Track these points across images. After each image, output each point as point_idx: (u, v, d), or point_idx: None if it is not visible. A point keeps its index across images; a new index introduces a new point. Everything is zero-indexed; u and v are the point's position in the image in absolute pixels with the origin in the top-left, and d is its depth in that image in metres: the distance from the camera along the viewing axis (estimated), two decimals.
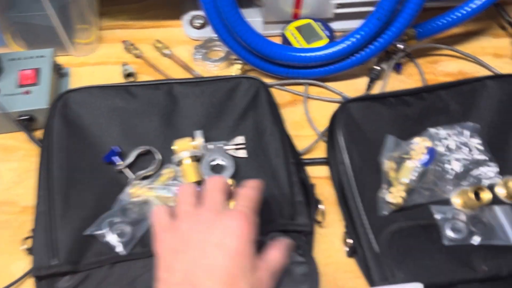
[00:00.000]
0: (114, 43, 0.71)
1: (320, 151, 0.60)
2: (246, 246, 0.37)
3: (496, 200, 0.53)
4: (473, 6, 0.64)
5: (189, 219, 0.40)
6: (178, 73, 0.67)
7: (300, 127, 0.63)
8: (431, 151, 0.53)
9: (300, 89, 0.67)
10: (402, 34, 0.65)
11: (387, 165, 0.53)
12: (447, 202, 0.53)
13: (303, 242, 0.48)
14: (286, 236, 0.48)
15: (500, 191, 0.54)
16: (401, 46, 0.65)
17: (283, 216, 0.50)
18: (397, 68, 0.68)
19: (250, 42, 0.61)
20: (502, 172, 0.55)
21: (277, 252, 0.41)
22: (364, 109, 0.57)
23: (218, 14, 0.59)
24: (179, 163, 0.54)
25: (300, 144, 0.60)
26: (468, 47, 0.73)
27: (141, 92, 0.58)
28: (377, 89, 0.67)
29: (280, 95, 0.66)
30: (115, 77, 0.66)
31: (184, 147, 0.54)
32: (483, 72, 0.69)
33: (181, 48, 0.70)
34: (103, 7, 0.76)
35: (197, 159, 0.55)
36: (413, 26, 0.66)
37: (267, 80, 0.67)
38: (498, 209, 0.52)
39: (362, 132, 0.56)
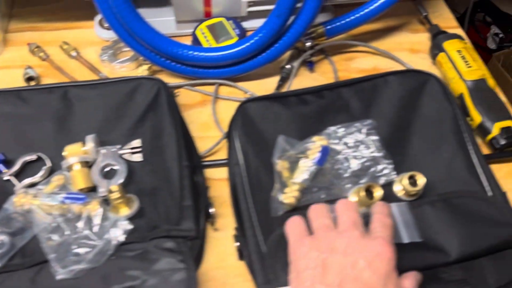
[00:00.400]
0: (22, 46, 0.69)
1: (225, 153, 0.59)
2: (394, 271, 0.40)
3: (394, 198, 0.53)
4: (381, 2, 0.64)
5: (329, 233, 0.42)
6: (85, 75, 0.66)
7: (207, 128, 0.62)
8: (324, 150, 0.53)
9: (211, 89, 0.66)
10: (310, 32, 0.65)
11: (280, 165, 0.52)
12: None
13: (186, 247, 0.47)
14: (172, 241, 0.47)
15: (397, 188, 0.53)
16: (308, 44, 0.64)
17: (169, 221, 0.49)
18: (310, 66, 0.67)
19: (149, 41, 0.59)
20: (401, 168, 0.55)
21: (410, 282, 0.43)
22: (262, 109, 0.56)
23: (115, 15, 0.58)
24: (69, 169, 0.52)
25: (206, 145, 0.59)
26: (385, 43, 0.72)
27: (33, 97, 0.56)
28: (289, 87, 0.66)
29: (190, 95, 0.65)
30: (18, 82, 0.64)
31: (75, 153, 0.53)
32: (397, 68, 0.69)
33: (90, 50, 0.69)
34: (14, 9, 0.74)
35: (89, 165, 0.53)
36: (323, 23, 0.66)
37: (178, 81, 0.66)
38: (394, 207, 0.52)
39: (259, 132, 0.55)
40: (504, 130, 0.58)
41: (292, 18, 0.60)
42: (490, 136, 0.59)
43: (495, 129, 0.58)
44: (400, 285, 0.41)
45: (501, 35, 1.45)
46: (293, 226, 0.45)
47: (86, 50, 0.69)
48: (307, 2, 0.58)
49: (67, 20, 0.72)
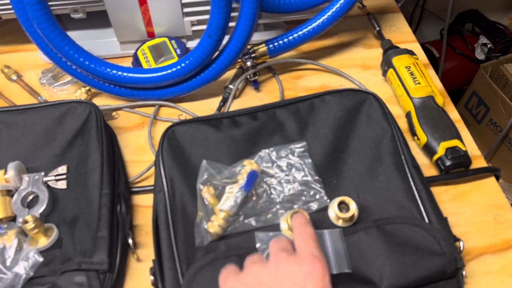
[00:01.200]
0: None
1: None
2: (329, 286, 0.38)
3: (330, 224, 0.50)
4: (323, 18, 0.62)
5: (256, 266, 0.40)
6: (24, 99, 0.65)
7: (143, 152, 0.60)
8: (251, 175, 0.50)
9: (152, 111, 0.64)
10: (251, 51, 0.63)
11: (204, 191, 0.50)
12: (277, 227, 0.50)
13: (96, 281, 0.45)
14: (83, 274, 0.45)
15: (331, 214, 0.50)
16: (248, 63, 0.62)
17: (83, 253, 0.47)
18: (254, 85, 0.65)
19: (81, 65, 0.58)
20: (337, 192, 0.52)
21: None
22: (191, 132, 0.54)
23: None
24: None
25: (140, 170, 0.57)
26: (337, 59, 0.70)
27: None
28: (233, 107, 0.64)
29: (129, 118, 0.63)
30: None
31: None
32: (346, 85, 0.67)
33: (32, 73, 0.68)
34: None
35: (11, 193, 0.52)
36: (266, 42, 0.64)
37: (118, 103, 0.64)
38: (326, 234, 0.49)
39: (187, 157, 0.53)
40: (450, 150, 0.55)
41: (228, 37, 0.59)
42: (436, 157, 0.56)
43: (441, 149, 0.55)
44: None
45: (489, 45, 1.41)
46: (224, 270, 0.42)
47: (29, 73, 0.68)
48: (239, 21, 0.56)
49: (12, 43, 0.72)
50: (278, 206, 0.51)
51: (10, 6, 0.61)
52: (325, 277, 0.38)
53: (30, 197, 0.52)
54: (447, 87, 0.67)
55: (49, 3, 0.53)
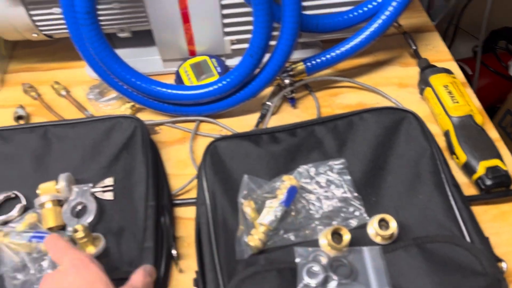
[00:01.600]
0: (17, 86, 0.72)
1: None
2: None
3: (369, 241, 0.51)
4: (362, 37, 0.63)
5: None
6: (72, 113, 0.68)
7: (184, 166, 0.62)
8: (291, 190, 0.51)
9: (193, 126, 0.66)
10: (289, 69, 0.64)
11: (245, 205, 0.51)
12: (316, 243, 0.51)
13: None
14: None
15: (371, 231, 0.51)
16: (286, 81, 0.64)
17: (130, 263, 0.49)
18: (291, 102, 0.67)
19: (128, 82, 0.61)
20: (376, 209, 0.52)
21: (136, 275, 0.45)
22: (232, 147, 0.55)
23: (95, 57, 0.60)
24: (41, 207, 0.54)
25: (182, 183, 0.59)
26: (373, 77, 0.71)
27: (15, 136, 0.58)
28: (271, 124, 0.65)
29: (171, 132, 0.66)
30: (10, 121, 0.67)
31: (48, 191, 0.54)
32: (383, 103, 0.67)
33: (81, 88, 0.71)
34: (15, 50, 0.78)
35: (61, 203, 0.54)
36: (304, 60, 0.65)
37: (161, 118, 0.67)
38: (365, 251, 0.50)
39: (228, 171, 0.54)
40: (490, 169, 0.54)
41: (268, 55, 0.60)
42: (475, 176, 0.55)
43: (481, 168, 0.55)
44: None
45: None
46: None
47: (77, 89, 0.71)
48: (280, 41, 0.58)
49: (62, 60, 0.76)
50: (317, 222, 0.52)
51: (62, 26, 0.65)
52: (88, 267, 0.42)
53: (79, 207, 0.55)
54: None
55: (100, 23, 0.57)
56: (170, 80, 0.70)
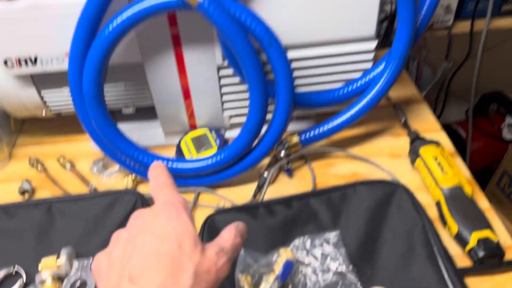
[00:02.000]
0: (24, 159, 0.75)
1: None
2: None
3: None
4: (354, 111, 0.67)
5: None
6: (76, 186, 0.70)
7: None
8: (286, 264, 0.52)
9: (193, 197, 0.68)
10: (284, 142, 0.68)
11: (242, 280, 0.52)
12: None
13: None
14: None
15: None
16: (281, 154, 0.67)
17: None
18: (288, 173, 0.69)
19: (130, 155, 0.64)
20: (372, 282, 0.53)
21: (226, 233, 0.42)
22: (229, 220, 0.56)
23: (98, 132, 0.63)
24: (42, 283, 0.54)
25: None
26: (366, 148, 0.74)
27: (19, 212, 0.60)
28: (268, 194, 0.67)
29: None
30: (15, 194, 0.69)
31: (48, 266, 0.55)
32: (377, 173, 0.70)
33: (85, 161, 0.74)
34: (25, 125, 0.82)
35: (62, 279, 0.55)
36: (299, 133, 0.68)
37: None
38: None
39: None
40: (482, 241, 0.56)
41: (265, 127, 0.64)
42: (468, 247, 0.56)
43: (473, 239, 0.56)
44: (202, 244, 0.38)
45: None
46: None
47: (82, 161, 0.74)
48: (275, 116, 0.62)
49: (68, 133, 0.79)
50: None
51: (70, 106, 0.69)
52: (180, 216, 0.38)
53: (78, 283, 0.56)
54: (475, 167, 0.69)
55: (106, 100, 0.61)
56: (171, 151, 0.73)
